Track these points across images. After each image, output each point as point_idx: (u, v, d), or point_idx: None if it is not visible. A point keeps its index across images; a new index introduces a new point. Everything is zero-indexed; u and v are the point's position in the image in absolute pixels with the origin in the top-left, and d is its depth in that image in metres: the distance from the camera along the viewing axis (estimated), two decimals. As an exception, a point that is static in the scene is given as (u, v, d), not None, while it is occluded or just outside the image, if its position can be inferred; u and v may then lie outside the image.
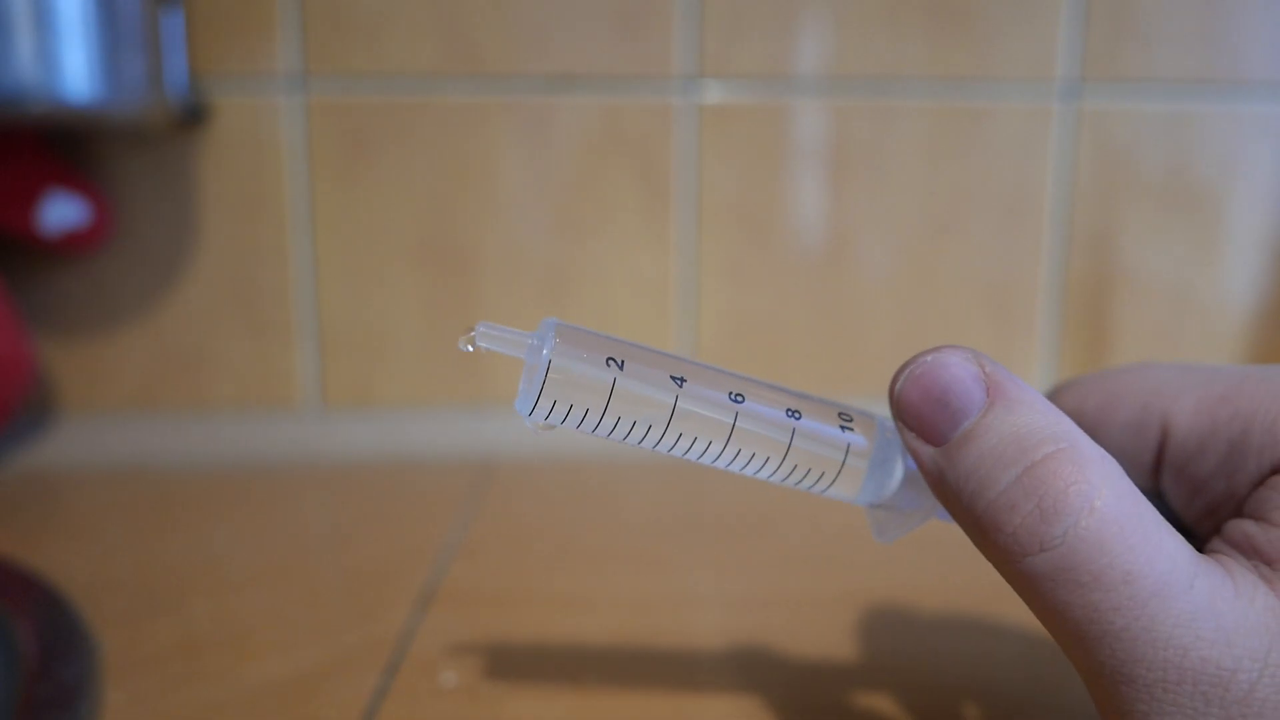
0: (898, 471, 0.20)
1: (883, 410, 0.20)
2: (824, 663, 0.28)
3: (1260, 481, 0.18)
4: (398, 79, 0.49)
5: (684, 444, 0.19)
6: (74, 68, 0.40)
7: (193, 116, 0.47)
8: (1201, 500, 0.19)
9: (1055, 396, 0.22)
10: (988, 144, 0.50)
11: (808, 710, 0.26)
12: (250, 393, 0.51)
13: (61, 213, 0.46)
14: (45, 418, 0.51)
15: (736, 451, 0.19)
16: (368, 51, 0.48)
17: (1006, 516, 0.16)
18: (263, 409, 0.51)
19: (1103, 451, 0.17)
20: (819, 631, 0.30)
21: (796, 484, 0.20)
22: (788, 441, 0.19)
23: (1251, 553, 0.17)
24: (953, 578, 0.34)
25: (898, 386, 0.18)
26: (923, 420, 0.18)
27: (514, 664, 0.28)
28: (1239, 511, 0.18)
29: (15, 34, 0.38)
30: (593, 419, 0.18)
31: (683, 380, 0.19)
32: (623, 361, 0.18)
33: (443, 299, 0.51)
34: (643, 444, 0.19)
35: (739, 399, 0.19)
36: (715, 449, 0.19)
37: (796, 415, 0.19)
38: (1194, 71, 0.50)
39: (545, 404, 0.18)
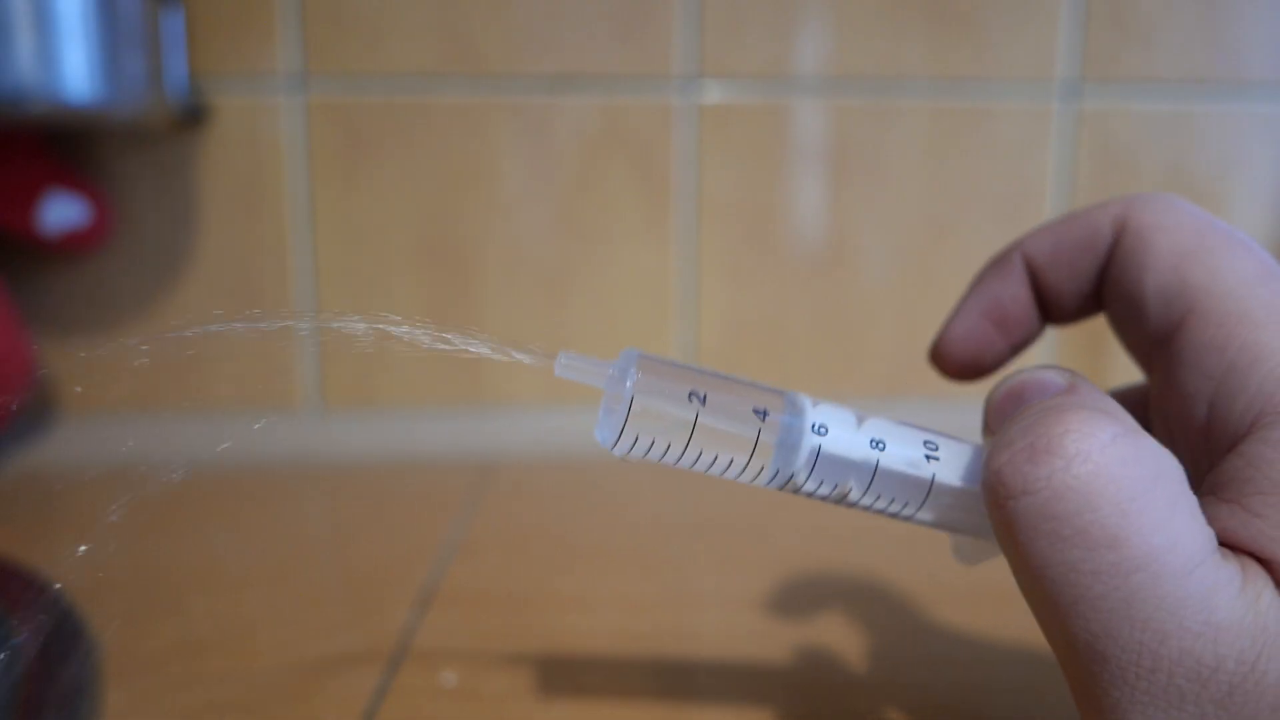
0: (803, 452, 0.19)
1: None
2: (824, 664, 0.28)
3: (1244, 433, 0.16)
4: (398, 79, 0.49)
5: (766, 476, 0.19)
6: (74, 68, 0.40)
7: (193, 116, 0.47)
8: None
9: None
10: (988, 144, 0.50)
11: (807, 711, 0.26)
12: (250, 393, 0.51)
13: (61, 213, 0.46)
14: (45, 418, 0.51)
15: (820, 483, 0.19)
16: (368, 51, 0.48)
17: (998, 454, 0.16)
18: (263, 409, 0.51)
19: (1151, 440, 0.16)
20: (819, 632, 0.30)
21: (884, 509, 0.19)
22: (871, 476, 0.19)
23: (1237, 546, 0.16)
24: (956, 584, 0.34)
25: (990, 392, 0.19)
26: (998, 414, 0.18)
27: (514, 664, 0.28)
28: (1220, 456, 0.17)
29: (15, 34, 0.38)
30: (675, 452, 0.18)
31: (765, 413, 0.18)
32: (705, 395, 0.18)
33: (443, 299, 0.51)
34: (725, 475, 0.19)
35: (823, 431, 0.19)
36: (798, 481, 0.19)
37: (881, 446, 0.19)
38: (1194, 71, 0.50)
39: (628, 437, 0.18)
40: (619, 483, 0.46)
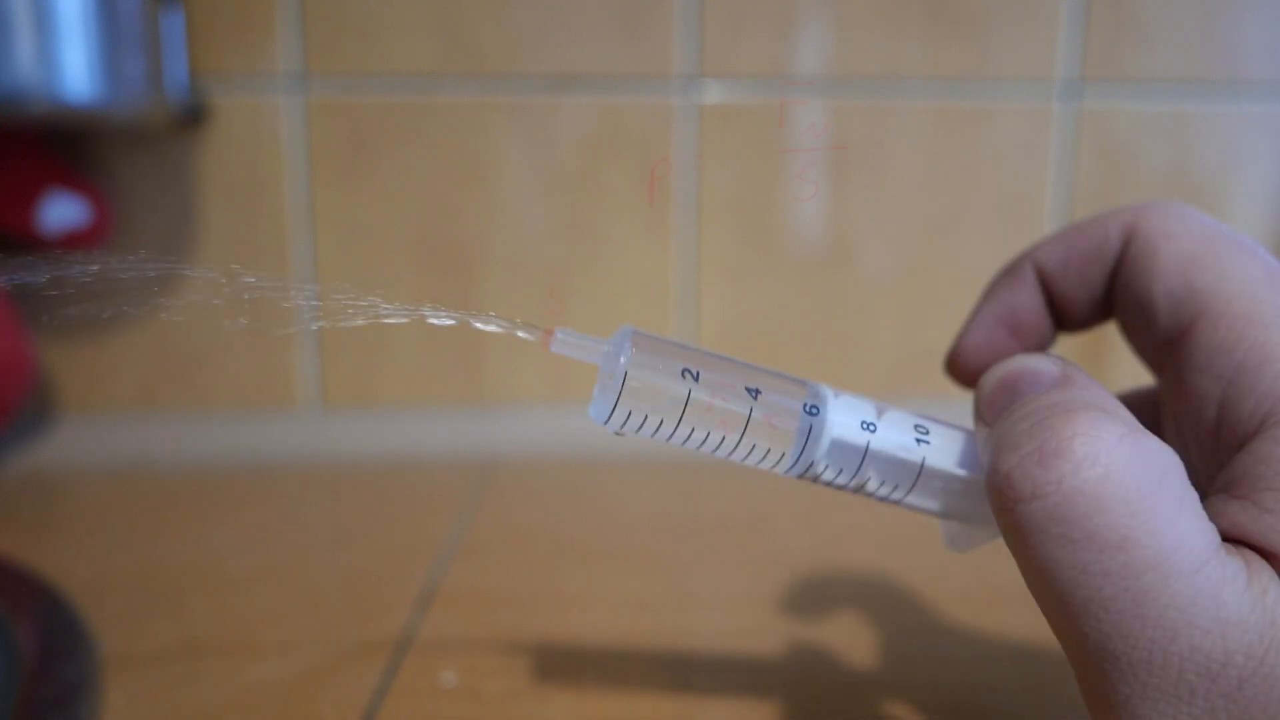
0: (824, 441, 0.19)
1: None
2: (824, 663, 0.28)
3: (1253, 432, 0.17)
4: (398, 79, 0.49)
5: (757, 454, 0.19)
6: (74, 68, 0.40)
7: (193, 116, 0.47)
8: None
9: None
10: (988, 144, 0.50)
11: (808, 710, 0.26)
12: (250, 393, 0.51)
13: (61, 213, 0.46)
14: (45, 418, 0.51)
15: (809, 464, 0.19)
16: (368, 51, 0.48)
17: (1005, 456, 0.16)
18: (263, 409, 0.51)
19: (1153, 438, 0.16)
20: (820, 631, 0.30)
21: (873, 491, 0.20)
22: (863, 456, 0.19)
23: (1246, 541, 0.16)
24: (955, 582, 0.34)
25: (982, 380, 0.19)
26: (991, 404, 0.18)
27: (514, 664, 0.28)
28: (1224, 465, 0.17)
29: (15, 34, 0.38)
30: (667, 429, 0.19)
31: (758, 391, 0.19)
32: (698, 372, 0.18)
33: (443, 299, 0.50)
34: (716, 453, 0.19)
35: (814, 411, 0.19)
36: (788, 460, 0.19)
37: (872, 429, 0.19)
38: (1194, 71, 0.50)
39: (620, 413, 0.18)
40: (620, 482, 0.46)
